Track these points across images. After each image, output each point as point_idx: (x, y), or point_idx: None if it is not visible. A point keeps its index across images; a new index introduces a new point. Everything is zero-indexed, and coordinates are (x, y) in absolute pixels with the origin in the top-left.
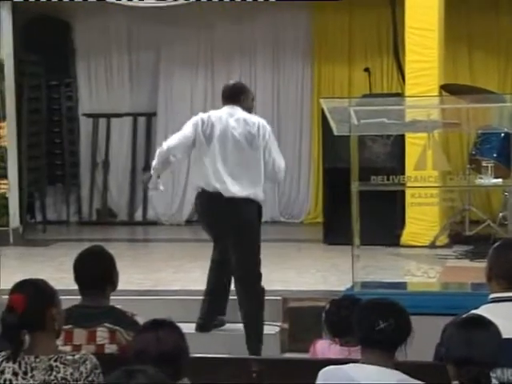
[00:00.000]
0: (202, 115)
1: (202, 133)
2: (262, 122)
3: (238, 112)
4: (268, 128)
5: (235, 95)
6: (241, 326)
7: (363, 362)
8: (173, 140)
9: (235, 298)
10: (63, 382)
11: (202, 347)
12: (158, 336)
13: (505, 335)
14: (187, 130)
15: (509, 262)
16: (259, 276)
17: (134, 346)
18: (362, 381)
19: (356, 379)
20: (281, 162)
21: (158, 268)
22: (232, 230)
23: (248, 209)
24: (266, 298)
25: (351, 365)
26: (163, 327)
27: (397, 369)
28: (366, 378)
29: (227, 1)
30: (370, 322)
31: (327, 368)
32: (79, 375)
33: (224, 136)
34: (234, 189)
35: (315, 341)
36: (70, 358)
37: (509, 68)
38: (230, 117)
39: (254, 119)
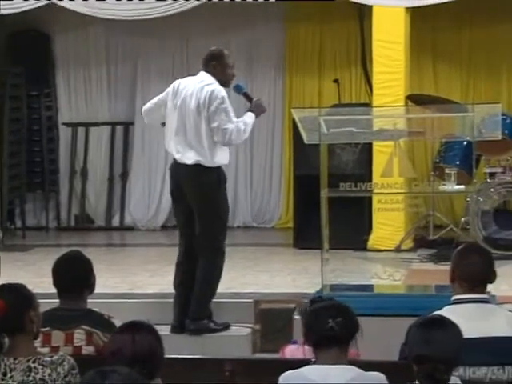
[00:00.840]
0: (175, 82)
1: (171, 100)
2: (212, 90)
3: (202, 79)
4: (218, 96)
5: (205, 61)
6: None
7: (320, 363)
8: (148, 103)
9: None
10: (41, 382)
11: (177, 348)
12: (133, 337)
13: (466, 335)
14: (162, 94)
15: (471, 265)
16: (216, 249)
17: (110, 346)
18: (320, 381)
19: (314, 380)
20: (227, 125)
21: (135, 272)
22: (189, 198)
23: (200, 176)
24: (238, 300)
25: (308, 367)
26: (139, 329)
27: (358, 367)
28: (325, 378)
29: (203, 13)
30: (320, 323)
31: (286, 373)
32: (57, 376)
33: (183, 105)
34: (186, 157)
35: (283, 346)
36: (48, 359)
37: (471, 79)
38: (192, 85)
39: (207, 88)
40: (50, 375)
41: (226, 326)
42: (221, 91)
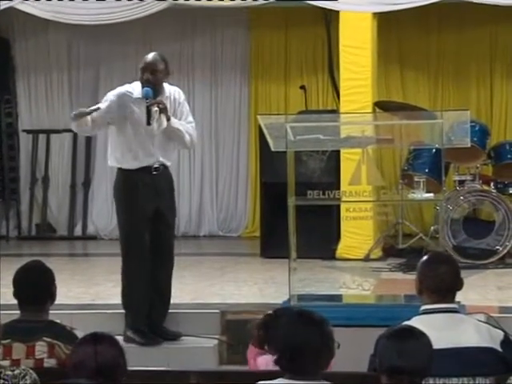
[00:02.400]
0: None
1: None
2: None
3: None
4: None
5: None
6: (183, 339)
7: (292, 377)
8: None
9: (176, 311)
10: None
11: (142, 360)
12: (96, 349)
13: (436, 345)
14: None
15: (438, 276)
16: (124, 259)
17: (73, 359)
18: None
19: None
20: None
21: (98, 282)
22: None
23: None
24: (204, 311)
25: (279, 380)
26: (102, 341)
27: (327, 379)
28: None
29: (166, 19)
30: (296, 340)
31: None
32: None
33: None
34: None
35: (255, 356)
36: (9, 373)
37: (438, 85)
38: None
39: None
40: None
41: (151, 343)
42: (114, 91)
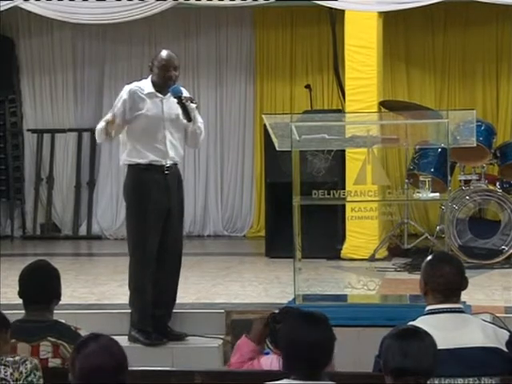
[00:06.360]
0: None
1: None
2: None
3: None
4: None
5: None
6: (188, 339)
7: (296, 378)
8: None
9: (180, 311)
10: (3, 382)
11: (146, 360)
12: (107, 348)
13: (441, 346)
14: None
15: (443, 277)
16: (131, 256)
17: (86, 364)
18: None
19: None
20: None
21: (103, 282)
22: None
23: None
24: (209, 311)
25: (285, 381)
26: (105, 340)
27: (331, 379)
28: None
29: (171, 18)
30: (297, 341)
31: None
32: (19, 375)
33: None
34: None
35: (258, 357)
36: (10, 359)
37: (444, 85)
38: None
39: None
40: (11, 375)
41: (155, 343)
42: (124, 90)
